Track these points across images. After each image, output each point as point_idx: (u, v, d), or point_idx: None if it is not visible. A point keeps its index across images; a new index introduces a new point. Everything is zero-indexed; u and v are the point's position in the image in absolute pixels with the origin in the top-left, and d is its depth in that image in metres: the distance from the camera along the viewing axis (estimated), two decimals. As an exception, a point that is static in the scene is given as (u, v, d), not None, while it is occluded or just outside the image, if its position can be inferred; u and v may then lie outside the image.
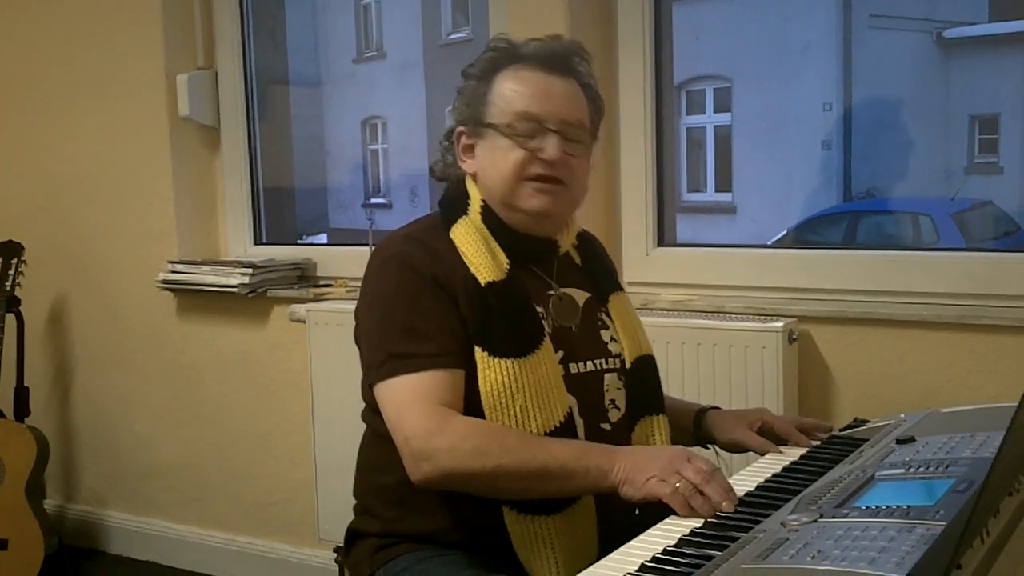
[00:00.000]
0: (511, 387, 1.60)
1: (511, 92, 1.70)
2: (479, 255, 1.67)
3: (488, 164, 1.72)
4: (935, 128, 2.86)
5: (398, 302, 1.64)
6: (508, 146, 1.69)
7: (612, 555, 1.30)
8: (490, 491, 1.58)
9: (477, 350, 1.62)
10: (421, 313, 1.63)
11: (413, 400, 1.59)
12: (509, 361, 1.61)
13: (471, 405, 1.62)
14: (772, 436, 1.78)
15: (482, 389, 1.61)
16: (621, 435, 1.75)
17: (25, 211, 3.82)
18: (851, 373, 2.49)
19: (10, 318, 3.49)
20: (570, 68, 1.74)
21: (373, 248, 1.77)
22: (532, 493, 1.58)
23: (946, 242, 2.86)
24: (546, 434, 1.61)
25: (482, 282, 1.65)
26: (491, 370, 1.61)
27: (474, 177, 1.76)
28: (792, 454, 1.68)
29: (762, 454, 1.72)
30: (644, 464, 1.49)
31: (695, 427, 1.88)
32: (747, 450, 1.79)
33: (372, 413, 1.72)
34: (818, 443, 1.75)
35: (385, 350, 1.63)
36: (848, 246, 2.91)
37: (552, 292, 1.75)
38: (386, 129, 4.02)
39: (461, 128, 1.76)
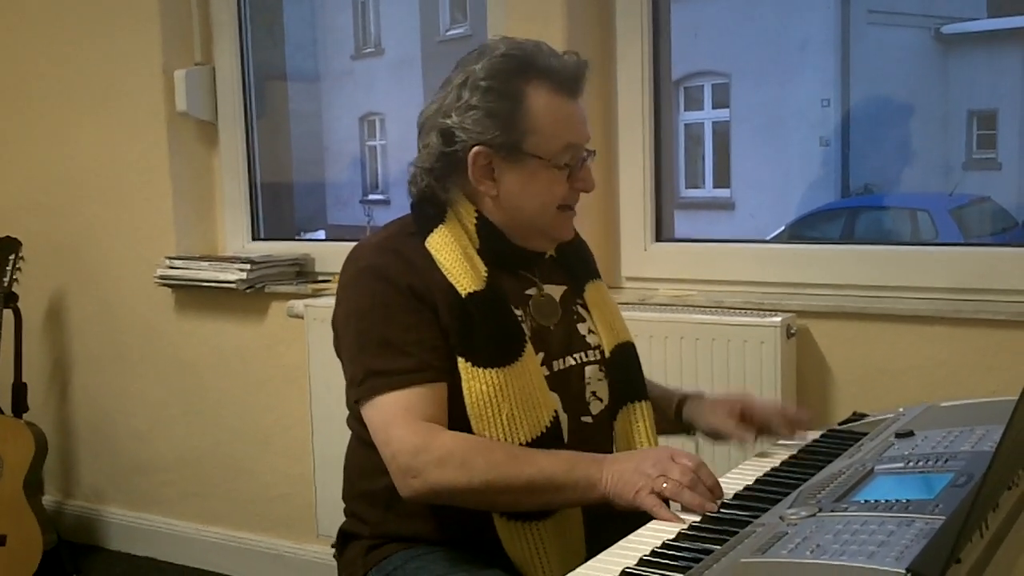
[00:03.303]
0: (496, 396, 1.59)
1: (554, 124, 1.64)
2: (458, 265, 1.64)
3: (521, 191, 1.66)
4: (933, 124, 2.86)
5: (374, 316, 1.62)
6: (553, 178, 1.66)
7: (611, 549, 1.30)
8: (479, 504, 1.58)
9: (460, 361, 1.61)
10: (398, 326, 1.60)
11: (397, 418, 1.57)
12: (493, 371, 1.60)
13: (457, 415, 1.61)
14: (753, 422, 1.76)
15: (467, 400, 1.60)
16: (603, 427, 1.75)
17: (23, 207, 3.81)
18: (849, 368, 2.50)
19: (8, 314, 3.49)
20: (584, 86, 1.71)
21: (347, 258, 1.72)
22: (521, 506, 1.58)
23: (944, 238, 2.86)
24: (533, 439, 1.60)
25: (462, 293, 1.62)
26: (475, 380, 1.60)
27: (493, 198, 1.68)
28: (768, 464, 1.63)
29: (741, 442, 1.72)
30: (630, 473, 1.48)
31: (676, 415, 1.87)
32: (726, 438, 1.77)
33: (356, 420, 1.71)
34: (799, 434, 1.73)
35: (365, 367, 1.61)
36: (846, 241, 2.91)
37: (530, 293, 1.73)
38: (384, 125, 4.02)
39: (481, 149, 1.64)
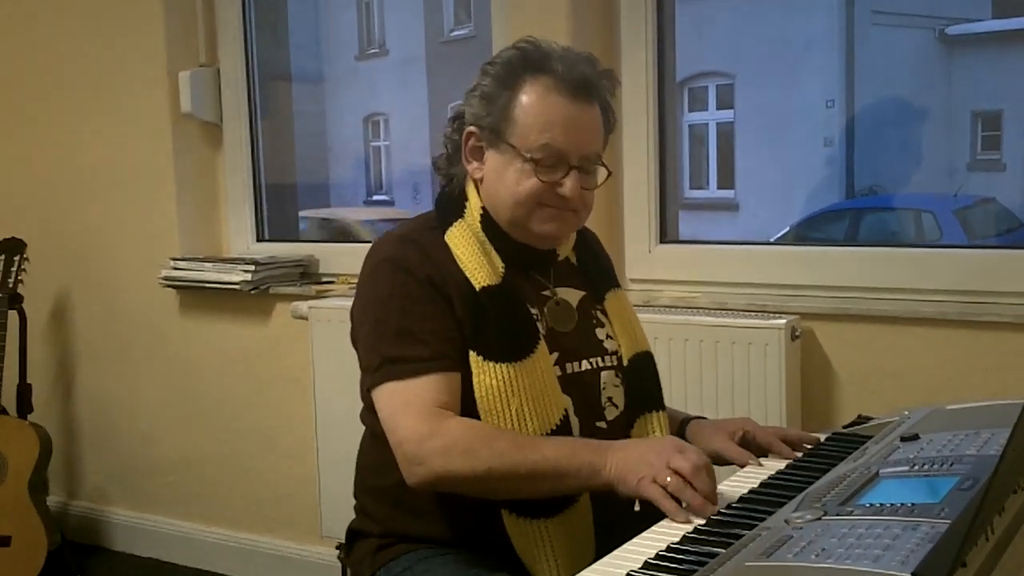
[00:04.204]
0: (506, 391, 1.60)
1: (536, 118, 1.64)
2: (474, 259, 1.66)
3: (497, 179, 1.69)
4: (938, 125, 2.86)
5: (392, 305, 1.64)
6: (525, 171, 1.65)
7: (616, 552, 1.30)
8: (484, 492, 1.58)
9: (472, 354, 1.62)
10: (416, 316, 1.62)
11: (407, 404, 1.59)
12: (504, 365, 1.61)
13: (467, 407, 1.61)
14: (755, 446, 1.74)
15: (477, 393, 1.61)
16: (618, 433, 1.74)
17: (27, 208, 3.82)
18: (853, 370, 2.49)
19: (12, 315, 3.50)
20: (596, 93, 1.69)
21: (369, 248, 1.74)
22: (525, 493, 1.58)
23: (948, 239, 2.86)
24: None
25: (477, 286, 1.64)
26: (486, 374, 1.61)
27: (479, 181, 1.73)
28: (773, 466, 1.63)
29: (741, 466, 1.68)
30: (635, 461, 1.48)
31: (678, 436, 1.83)
32: (728, 462, 1.74)
33: (370, 414, 1.71)
34: (801, 454, 1.69)
35: (380, 354, 1.63)
36: (850, 243, 2.91)
37: (547, 293, 1.74)
38: (388, 126, 4.02)
39: (473, 129, 1.70)
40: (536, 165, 1.65)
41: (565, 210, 1.69)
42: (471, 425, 1.59)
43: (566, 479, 1.53)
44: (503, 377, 1.60)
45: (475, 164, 1.72)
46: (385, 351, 1.62)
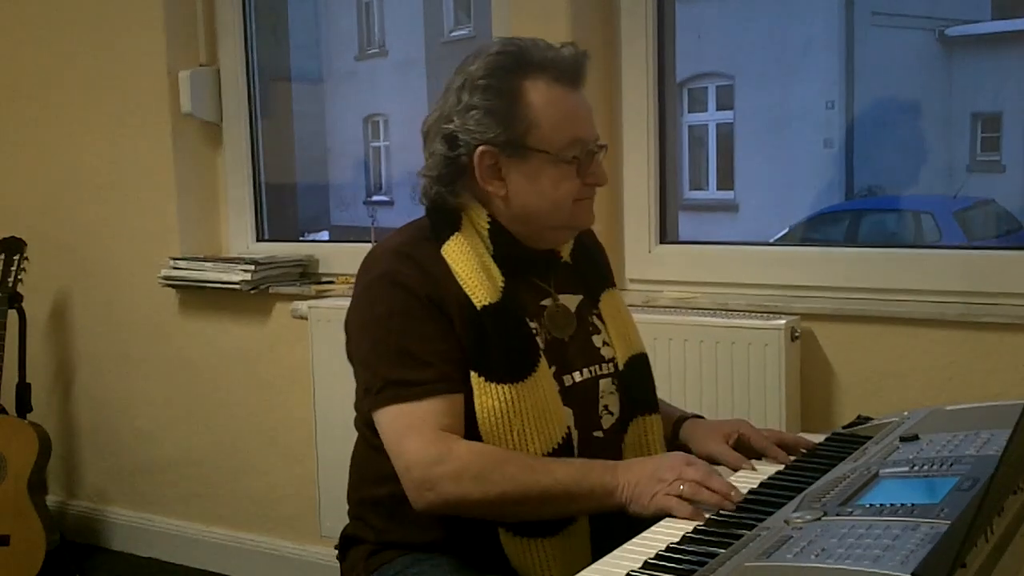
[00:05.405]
0: (508, 412, 1.57)
1: (555, 115, 1.62)
2: (474, 275, 1.61)
3: (531, 189, 1.63)
4: (937, 126, 2.86)
5: (392, 324, 1.59)
6: (563, 172, 1.63)
7: (615, 552, 1.30)
8: (494, 516, 1.57)
9: (473, 375, 1.59)
10: (416, 336, 1.58)
11: (412, 428, 1.56)
12: (506, 387, 1.58)
13: (469, 427, 1.59)
14: (749, 450, 1.73)
15: (479, 415, 1.58)
16: (613, 440, 1.73)
17: (27, 207, 3.82)
18: (853, 371, 2.49)
19: (12, 314, 3.49)
20: (585, 74, 1.68)
21: (363, 261, 1.70)
22: (536, 516, 1.57)
23: (948, 240, 2.86)
24: (545, 456, 1.58)
25: (477, 305, 1.59)
26: (488, 396, 1.58)
27: (503, 200, 1.65)
28: (766, 471, 1.61)
29: (735, 469, 1.66)
30: (646, 479, 1.48)
31: (673, 436, 1.84)
32: (721, 463, 1.72)
33: (364, 424, 1.70)
34: (796, 459, 1.67)
35: (381, 376, 1.59)
36: (850, 244, 2.91)
37: (546, 304, 1.71)
38: (388, 126, 4.02)
39: (487, 148, 1.62)
40: (576, 163, 1.64)
41: (592, 196, 1.69)
42: (480, 450, 1.56)
43: (578, 501, 1.52)
44: (505, 399, 1.57)
45: (496, 183, 1.65)
46: (387, 373, 1.59)
